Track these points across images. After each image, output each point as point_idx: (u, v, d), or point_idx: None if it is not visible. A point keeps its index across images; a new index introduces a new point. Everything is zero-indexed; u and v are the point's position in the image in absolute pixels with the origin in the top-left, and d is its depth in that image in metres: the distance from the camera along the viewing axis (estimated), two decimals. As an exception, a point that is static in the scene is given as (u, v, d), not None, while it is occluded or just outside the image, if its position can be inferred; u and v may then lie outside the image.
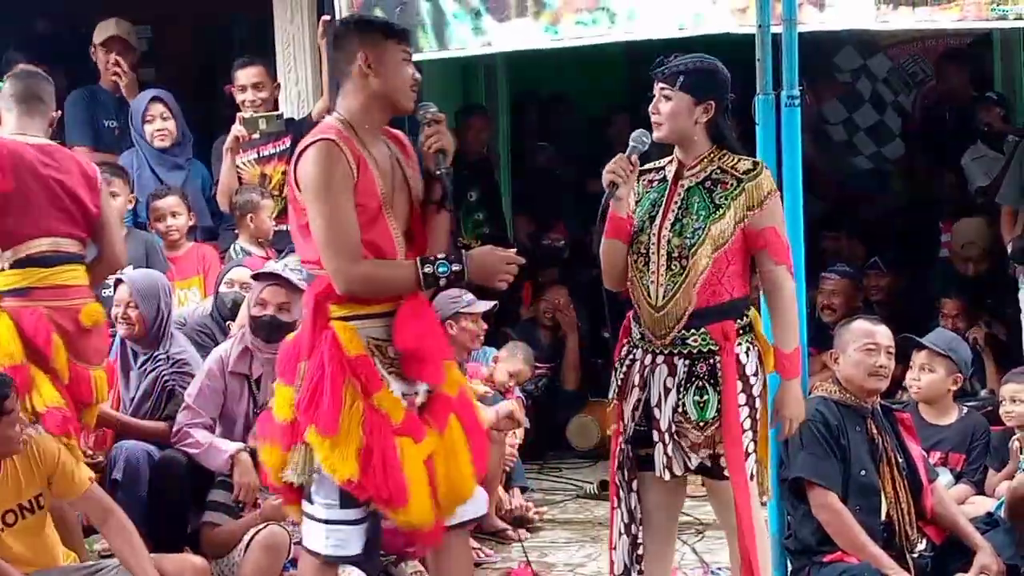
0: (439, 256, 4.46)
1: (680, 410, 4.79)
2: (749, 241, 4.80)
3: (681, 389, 4.80)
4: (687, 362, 4.81)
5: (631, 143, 4.88)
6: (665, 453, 4.81)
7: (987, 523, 5.82)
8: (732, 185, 4.80)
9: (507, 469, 7.14)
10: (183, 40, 9.78)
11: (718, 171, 4.84)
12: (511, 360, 7.34)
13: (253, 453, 5.86)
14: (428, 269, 4.42)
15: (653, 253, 4.82)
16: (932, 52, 10.19)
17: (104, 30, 7.96)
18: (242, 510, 5.99)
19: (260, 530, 5.74)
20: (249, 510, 5.97)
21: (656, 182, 4.95)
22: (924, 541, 5.62)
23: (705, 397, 4.78)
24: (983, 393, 7.39)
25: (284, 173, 6.89)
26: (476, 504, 4.71)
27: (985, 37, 9.51)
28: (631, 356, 4.93)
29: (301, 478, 4.45)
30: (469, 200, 9.05)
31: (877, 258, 8.51)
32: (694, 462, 4.83)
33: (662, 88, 4.86)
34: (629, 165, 4.84)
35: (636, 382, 4.88)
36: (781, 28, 5.72)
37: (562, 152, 10.41)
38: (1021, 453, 6.20)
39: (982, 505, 6.16)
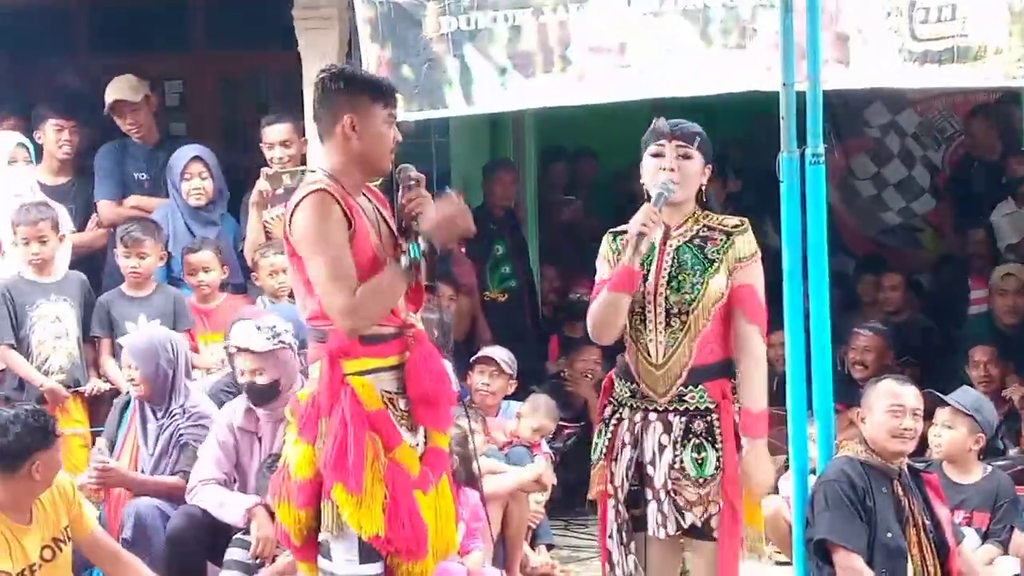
0: (402, 247, 4.44)
1: (677, 467, 4.79)
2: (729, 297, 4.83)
3: (678, 446, 4.80)
4: (683, 419, 4.82)
5: (660, 191, 4.82)
6: (660, 511, 4.81)
7: (1013, 585, 5.77)
8: (722, 240, 4.85)
9: (533, 526, 7.10)
10: (212, 94, 9.83)
11: (705, 229, 4.89)
12: (534, 416, 7.31)
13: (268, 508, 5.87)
14: (404, 260, 4.39)
15: (650, 312, 4.82)
16: (961, 107, 10.17)
17: (109, 95, 8.03)
18: (260, 567, 5.99)
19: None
20: (269, 563, 5.97)
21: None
22: (950, 604, 5.56)
23: (703, 454, 4.79)
24: (1012, 452, 7.33)
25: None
26: (452, 566, 4.73)
27: (1014, 94, 9.48)
28: (617, 415, 4.92)
29: (337, 535, 4.44)
30: (496, 254, 9.06)
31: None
32: (687, 520, 4.81)
33: (680, 146, 4.87)
34: (657, 216, 4.81)
35: (627, 440, 4.87)
36: (806, 86, 5.72)
37: (588, 205, 10.42)
38: None
39: (1009, 566, 6.11)
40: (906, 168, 10.64)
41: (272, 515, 5.82)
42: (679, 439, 4.80)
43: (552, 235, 10.48)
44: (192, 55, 9.67)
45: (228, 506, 6.10)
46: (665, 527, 4.81)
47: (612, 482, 4.90)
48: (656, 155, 4.88)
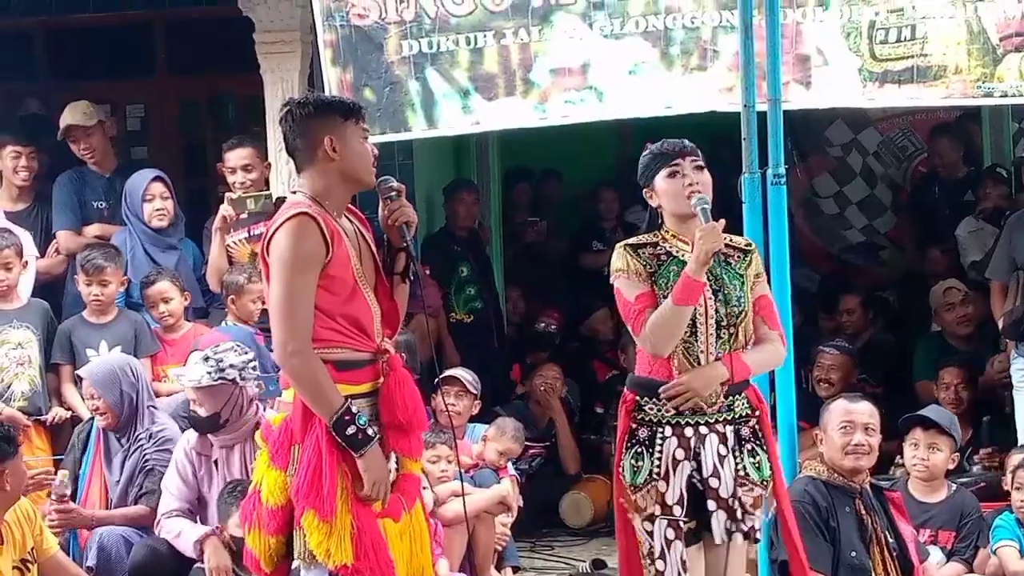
0: (363, 419, 4.41)
1: (742, 473, 4.90)
2: None
3: (736, 453, 4.90)
4: (733, 428, 4.92)
5: (703, 207, 4.86)
6: (731, 519, 4.88)
7: (978, 603, 5.79)
8: (740, 257, 4.99)
9: (499, 549, 7.08)
10: (174, 118, 9.81)
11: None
12: (500, 439, 7.30)
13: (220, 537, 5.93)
14: (349, 430, 4.36)
15: (701, 324, 4.89)
16: (922, 126, 10.21)
17: (62, 121, 7.95)
18: (220, 596, 5.96)
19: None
20: (228, 592, 5.95)
21: (664, 255, 4.97)
22: (916, 621, 5.58)
23: (758, 457, 4.94)
24: (975, 470, 7.36)
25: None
26: None
27: (974, 112, 9.55)
28: (658, 435, 4.92)
29: (309, 563, 4.44)
30: (461, 275, 9.02)
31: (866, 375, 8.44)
32: (747, 525, 4.91)
33: (694, 160, 4.95)
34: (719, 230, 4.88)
35: (680, 457, 4.89)
36: (767, 107, 5.75)
37: (553, 226, 10.43)
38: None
39: (973, 584, 6.14)
40: (868, 186, 10.68)
41: (225, 543, 5.85)
42: (735, 447, 4.91)
43: (517, 256, 10.48)
44: (154, 79, 9.64)
45: (182, 538, 6.08)
46: (738, 532, 4.90)
47: (663, 502, 4.90)
48: (673, 175, 4.93)
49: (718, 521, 4.88)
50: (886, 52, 6.54)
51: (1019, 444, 6.82)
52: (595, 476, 8.35)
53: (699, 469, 4.89)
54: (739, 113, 5.79)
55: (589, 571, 7.46)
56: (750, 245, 5.07)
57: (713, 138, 6.91)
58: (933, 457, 6.35)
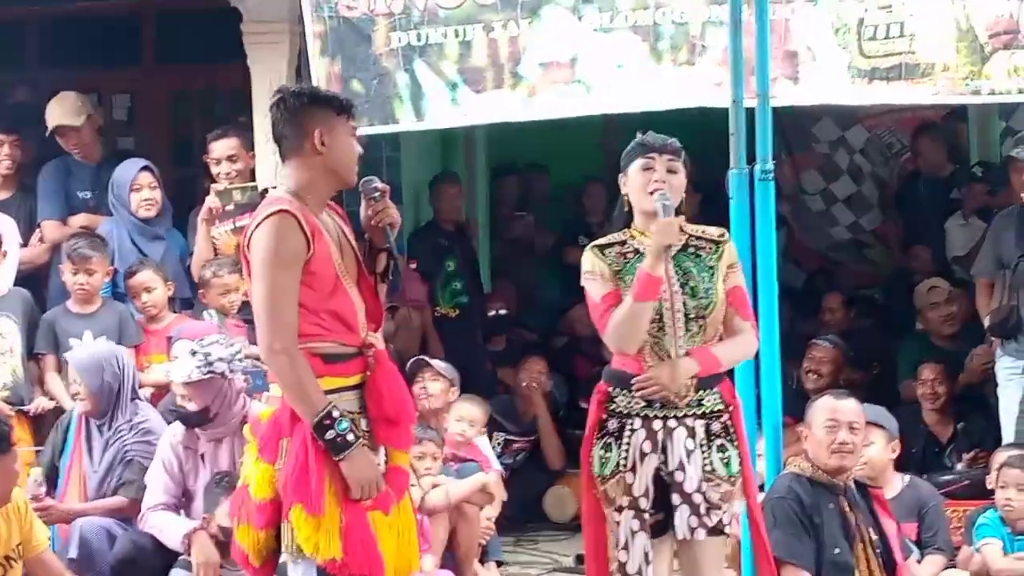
0: (344, 424, 4.39)
1: (708, 468, 4.89)
2: None
3: (704, 448, 4.90)
4: (703, 422, 4.91)
5: (665, 204, 4.87)
6: (695, 514, 4.87)
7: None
8: (712, 248, 4.98)
9: (483, 543, 7.08)
10: (161, 107, 9.78)
11: (692, 239, 4.99)
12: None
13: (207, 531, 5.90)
14: (329, 434, 4.35)
15: (668, 317, 4.89)
16: (909, 124, 10.21)
17: (50, 120, 7.89)
18: (206, 591, 5.93)
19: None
20: (214, 587, 5.93)
21: (631, 253, 4.98)
22: (899, 619, 5.58)
23: (727, 453, 4.92)
24: (959, 467, 7.37)
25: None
26: None
27: (961, 109, 9.55)
28: (627, 427, 4.92)
29: (297, 557, 4.44)
30: (447, 270, 9.00)
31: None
32: (713, 520, 4.90)
33: (670, 159, 4.95)
34: (676, 226, 4.88)
35: (647, 450, 4.89)
36: (755, 103, 5.75)
37: (540, 220, 10.42)
38: None
39: (955, 580, 6.15)
40: (855, 184, 10.69)
41: (213, 535, 5.83)
42: (703, 442, 4.91)
43: (503, 251, 10.47)
44: (142, 69, 9.61)
45: (167, 532, 6.06)
46: (701, 528, 4.89)
47: (630, 493, 4.91)
48: (646, 168, 4.94)
49: (681, 516, 4.88)
50: (874, 49, 6.54)
51: (1004, 442, 6.83)
52: (579, 471, 8.32)
53: (666, 462, 4.90)
54: (727, 109, 5.79)
55: (573, 565, 7.46)
56: (723, 236, 5.06)
57: (701, 133, 6.89)
58: (867, 451, 6.32)
